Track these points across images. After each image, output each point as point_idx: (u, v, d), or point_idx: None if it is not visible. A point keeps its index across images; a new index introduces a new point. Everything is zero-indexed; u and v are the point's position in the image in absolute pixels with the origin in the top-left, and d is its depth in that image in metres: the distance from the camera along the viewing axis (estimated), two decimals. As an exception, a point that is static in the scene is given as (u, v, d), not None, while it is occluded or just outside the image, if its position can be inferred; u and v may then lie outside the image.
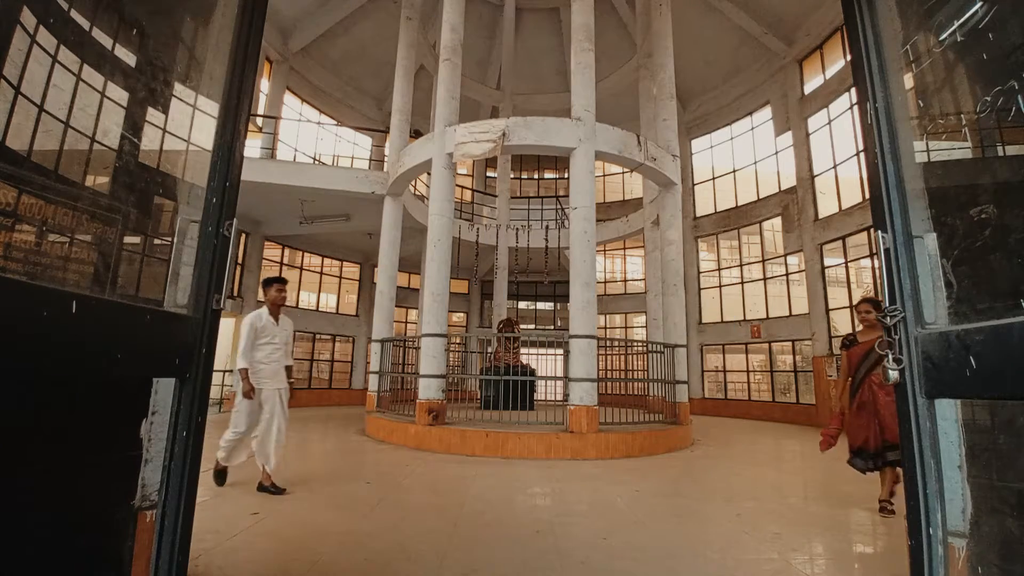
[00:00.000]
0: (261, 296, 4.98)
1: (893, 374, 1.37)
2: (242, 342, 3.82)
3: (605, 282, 18.56)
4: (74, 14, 1.40)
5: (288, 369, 4.08)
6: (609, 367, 15.31)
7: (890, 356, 1.38)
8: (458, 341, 13.87)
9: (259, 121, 12.42)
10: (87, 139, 1.45)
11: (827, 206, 12.37)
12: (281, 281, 4.07)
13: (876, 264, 3.68)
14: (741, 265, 14.98)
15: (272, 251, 14.02)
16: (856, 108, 4.42)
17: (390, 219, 9.81)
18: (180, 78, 1.81)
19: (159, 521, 1.52)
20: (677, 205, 8.94)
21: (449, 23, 8.38)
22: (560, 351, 13.11)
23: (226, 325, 12.58)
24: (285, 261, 14.49)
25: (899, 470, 3.52)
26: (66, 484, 1.25)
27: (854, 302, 11.52)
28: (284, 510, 3.34)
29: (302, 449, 6.53)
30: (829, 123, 12.47)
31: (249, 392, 3.76)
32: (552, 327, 19.03)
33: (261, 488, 3.78)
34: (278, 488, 3.79)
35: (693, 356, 15.06)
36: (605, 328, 18.01)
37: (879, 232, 1.47)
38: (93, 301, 1.33)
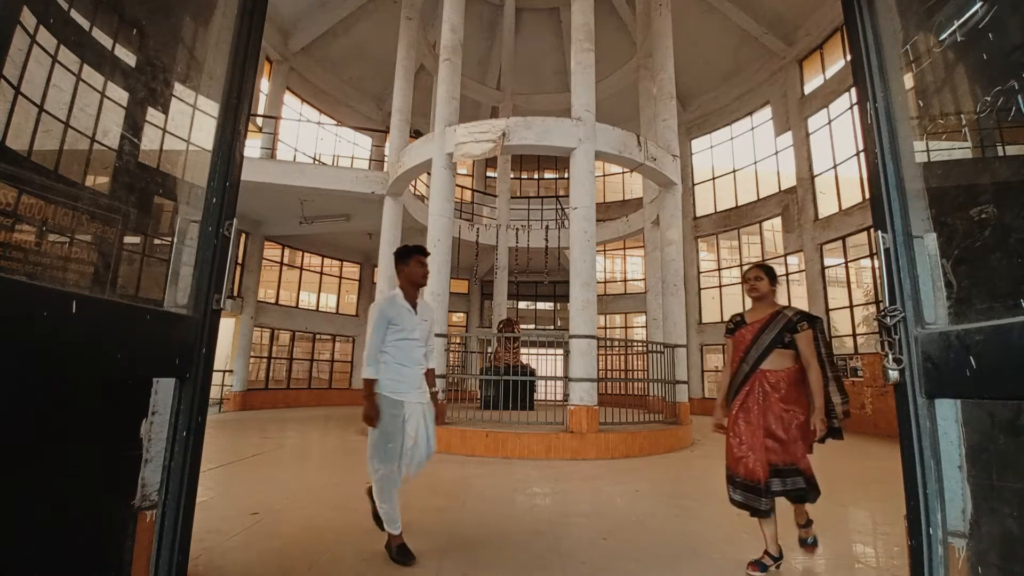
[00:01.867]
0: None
1: (893, 374, 1.37)
2: (370, 338, 2.62)
3: (605, 282, 18.55)
4: (74, 14, 1.40)
5: (430, 374, 2.85)
6: (609, 367, 15.29)
7: (890, 356, 1.38)
8: (458, 341, 13.87)
9: (259, 121, 12.42)
10: (87, 139, 1.45)
11: (827, 206, 12.37)
12: (422, 252, 2.83)
13: (876, 264, 3.43)
14: (741, 265, 14.97)
15: (272, 251, 14.03)
16: (856, 108, 4.41)
17: (390, 219, 9.82)
18: (180, 78, 1.81)
19: (159, 521, 1.53)
20: (677, 205, 8.93)
21: (449, 23, 8.38)
22: (560, 351, 13.10)
23: (226, 325, 12.58)
24: (285, 261, 14.49)
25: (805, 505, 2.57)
26: (66, 484, 1.25)
27: (854, 302, 11.55)
28: (284, 510, 3.34)
29: (302, 449, 6.54)
30: (829, 123, 12.46)
31: (372, 416, 2.55)
32: (552, 327, 19.02)
33: (377, 518, 2.72)
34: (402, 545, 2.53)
35: (693, 356, 15.05)
36: (605, 328, 18.00)
37: (879, 232, 1.47)
38: (93, 301, 1.33)
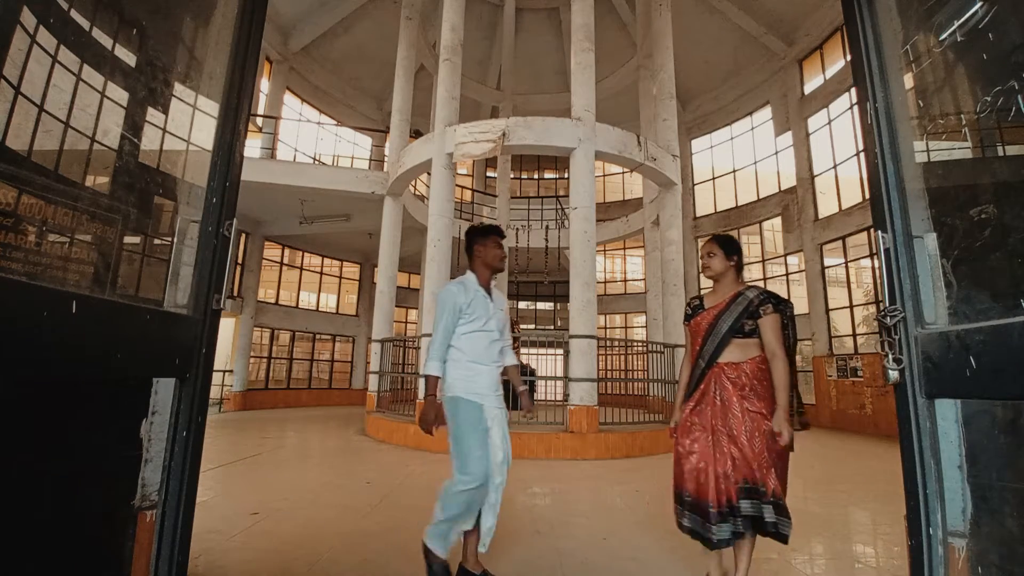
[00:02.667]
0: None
1: (893, 374, 1.37)
2: (438, 329, 2.25)
3: (605, 282, 18.55)
4: (74, 14, 1.40)
5: (515, 371, 2.51)
6: (609, 367, 15.30)
7: (890, 356, 1.38)
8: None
9: (259, 121, 12.42)
10: (87, 139, 1.45)
11: (827, 206, 12.37)
12: (499, 232, 2.47)
13: (876, 264, 3.33)
14: (741, 265, 14.96)
15: (272, 251, 14.03)
16: (856, 108, 4.41)
17: (390, 219, 9.82)
18: (180, 78, 1.81)
19: (159, 521, 1.52)
20: (677, 205, 8.94)
21: (449, 23, 8.38)
22: (560, 351, 13.09)
23: (226, 325, 12.58)
24: (285, 261, 14.49)
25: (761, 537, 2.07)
26: (66, 484, 1.25)
27: (854, 302, 11.55)
28: (284, 510, 3.34)
29: (302, 449, 6.54)
30: (829, 123, 12.46)
31: (431, 421, 2.21)
32: (552, 327, 19.02)
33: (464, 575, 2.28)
34: None
35: (693, 356, 15.03)
36: (605, 328, 17.99)
37: (879, 232, 1.47)
38: (93, 301, 1.33)
